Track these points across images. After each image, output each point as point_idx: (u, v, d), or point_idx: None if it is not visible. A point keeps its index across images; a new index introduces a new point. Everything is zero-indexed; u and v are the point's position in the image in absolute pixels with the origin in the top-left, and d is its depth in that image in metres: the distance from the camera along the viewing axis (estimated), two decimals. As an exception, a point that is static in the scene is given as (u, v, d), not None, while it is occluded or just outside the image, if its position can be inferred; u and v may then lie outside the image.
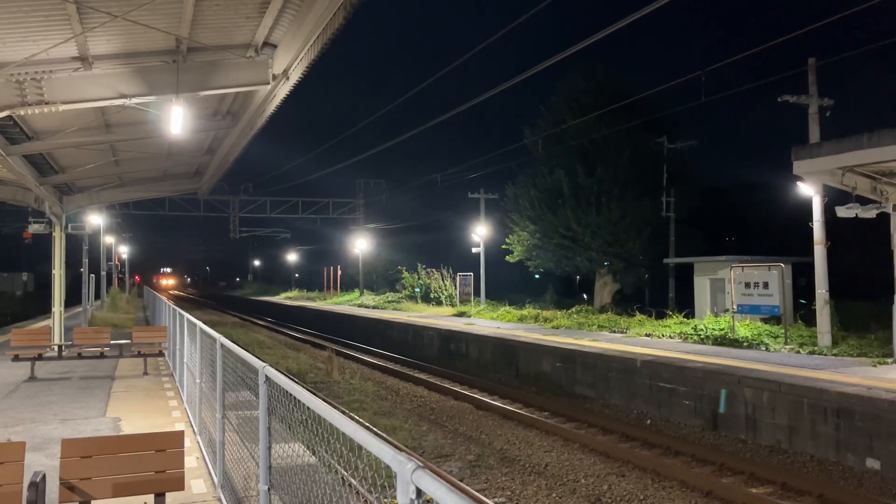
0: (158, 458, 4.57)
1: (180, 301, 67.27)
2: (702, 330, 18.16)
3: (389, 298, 41.89)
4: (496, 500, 9.23)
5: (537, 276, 37.33)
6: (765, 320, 18.49)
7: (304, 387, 3.41)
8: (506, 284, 39.30)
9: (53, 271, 18.91)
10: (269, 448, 4.12)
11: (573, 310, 26.17)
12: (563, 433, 12.78)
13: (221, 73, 9.90)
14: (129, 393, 11.79)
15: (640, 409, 14.63)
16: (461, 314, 30.80)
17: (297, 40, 9.12)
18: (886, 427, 9.91)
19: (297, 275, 77.12)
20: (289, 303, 52.74)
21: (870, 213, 14.08)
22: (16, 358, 13.58)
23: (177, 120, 9.88)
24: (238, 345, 5.65)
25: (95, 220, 26.40)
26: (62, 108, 9.51)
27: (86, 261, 26.98)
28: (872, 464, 10.06)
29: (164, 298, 22.71)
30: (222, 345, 6.03)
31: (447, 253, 42.31)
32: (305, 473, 3.78)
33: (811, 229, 16.56)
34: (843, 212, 14.27)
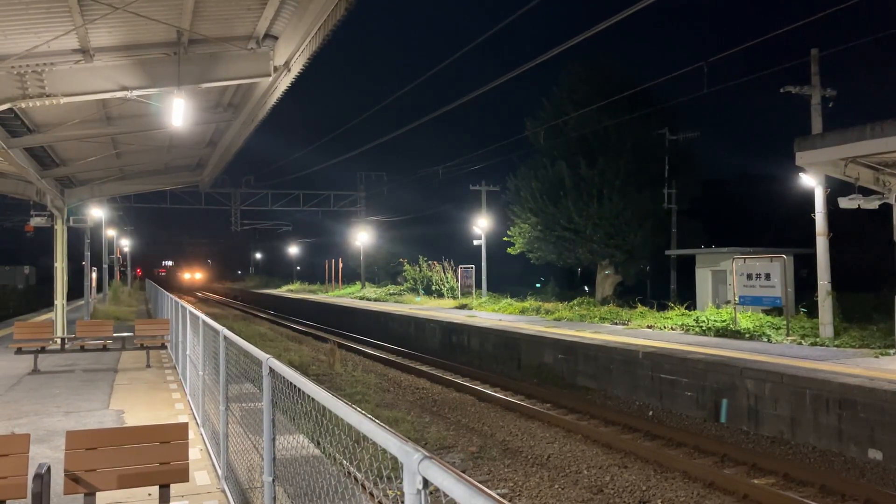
0: (162, 449, 4.58)
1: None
2: (703, 321, 18.16)
3: (391, 291, 41.90)
4: (499, 491, 9.26)
5: (538, 277, 37.40)
6: (767, 312, 18.49)
7: (307, 378, 3.41)
8: (507, 277, 39.34)
9: (55, 264, 18.94)
10: (273, 439, 4.13)
11: (575, 302, 26.18)
12: (566, 425, 12.81)
13: (223, 65, 9.88)
14: (132, 385, 11.82)
15: (641, 401, 14.65)
16: (463, 306, 30.83)
17: (298, 32, 9.09)
18: (889, 418, 9.92)
19: (298, 267, 77.15)
20: (290, 295, 52.79)
21: (872, 204, 14.06)
22: (19, 351, 13.61)
23: (178, 112, 9.86)
24: (240, 337, 5.65)
25: (97, 213, 26.45)
26: (63, 100, 9.49)
27: (87, 254, 27.02)
28: (875, 455, 10.07)
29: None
30: (225, 337, 6.03)
31: (449, 245, 42.31)
32: (310, 465, 3.79)
33: (813, 220, 16.53)
34: (845, 203, 14.24)
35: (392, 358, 22.37)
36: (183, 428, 4.74)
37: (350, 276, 54.80)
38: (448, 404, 15.16)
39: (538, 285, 39.45)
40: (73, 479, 4.30)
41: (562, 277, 39.93)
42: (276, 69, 10.05)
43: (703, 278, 23.32)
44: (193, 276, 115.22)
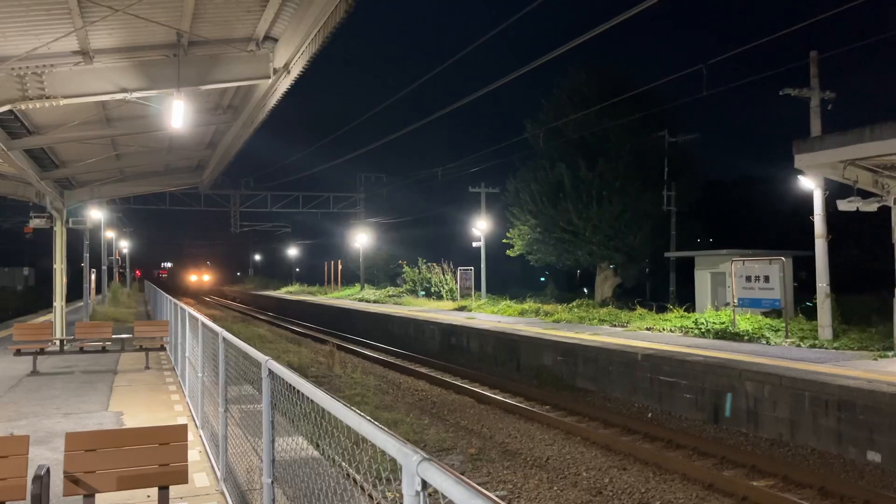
0: (162, 451, 4.58)
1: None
2: (703, 324, 18.17)
3: (390, 293, 41.90)
4: (498, 492, 9.26)
5: (547, 274, 37.40)
6: (766, 314, 18.51)
7: (306, 380, 3.42)
8: (507, 279, 39.36)
9: (54, 266, 18.93)
10: (273, 441, 4.13)
11: (574, 304, 26.19)
12: (565, 427, 12.80)
13: (222, 66, 9.89)
14: (131, 387, 11.81)
15: (641, 403, 14.65)
16: (462, 308, 30.83)
17: (298, 34, 9.10)
18: (887, 420, 9.93)
19: (297, 269, 77.12)
20: (290, 297, 52.77)
21: (871, 206, 14.07)
22: (18, 352, 13.60)
23: (178, 114, 9.87)
24: (239, 339, 5.66)
25: (96, 214, 26.43)
26: (63, 102, 9.50)
27: (87, 255, 27.00)
28: (873, 457, 10.08)
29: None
30: (224, 339, 6.04)
31: (448, 247, 42.35)
32: (309, 466, 3.79)
33: (812, 223, 16.55)
34: (844, 205, 14.25)
35: (391, 360, 22.36)
36: (182, 429, 4.74)
37: (349, 278, 54.80)
38: (447, 406, 15.16)
39: (543, 279, 39.30)
40: (72, 481, 4.31)
41: (561, 279, 39.95)
42: (275, 71, 10.06)
43: (703, 280, 23.34)
44: (201, 278, 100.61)
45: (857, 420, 10.36)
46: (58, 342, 14.86)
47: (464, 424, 13.39)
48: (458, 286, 35.90)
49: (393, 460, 2.09)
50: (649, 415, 13.97)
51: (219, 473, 6.33)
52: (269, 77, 10.09)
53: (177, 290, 74.15)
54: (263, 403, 4.17)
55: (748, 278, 19.01)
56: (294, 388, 3.49)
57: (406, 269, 41.63)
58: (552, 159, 28.89)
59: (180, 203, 45.77)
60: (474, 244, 34.42)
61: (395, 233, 52.03)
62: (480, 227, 33.94)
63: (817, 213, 16.41)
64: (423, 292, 39.04)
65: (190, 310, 10.60)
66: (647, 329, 19.50)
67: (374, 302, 39.34)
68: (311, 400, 3.13)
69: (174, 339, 13.91)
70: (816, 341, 15.62)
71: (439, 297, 37.14)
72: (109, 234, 43.01)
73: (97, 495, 4.37)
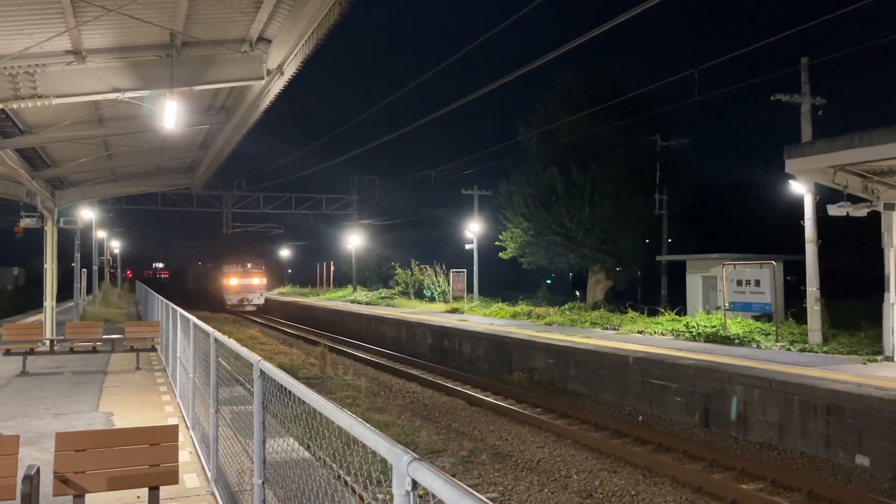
0: (152, 451, 4.58)
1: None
2: (694, 327, 18.24)
3: (382, 294, 41.88)
4: (488, 494, 9.27)
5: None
6: (756, 318, 18.59)
7: (298, 381, 3.42)
8: (499, 281, 39.39)
9: (45, 266, 18.83)
10: (264, 442, 4.13)
11: (566, 306, 26.24)
12: (556, 429, 12.83)
13: (216, 67, 9.88)
14: (121, 388, 11.77)
15: (632, 406, 14.69)
16: (454, 310, 30.83)
17: (291, 36, 9.10)
18: (876, 424, 9.99)
19: (290, 270, 76.93)
20: (282, 298, 52.65)
21: (861, 211, 14.15)
22: (7, 352, 13.54)
23: (170, 114, 9.85)
24: (231, 340, 5.65)
25: (87, 214, 26.33)
26: (55, 101, 9.46)
27: (78, 255, 26.89)
28: (862, 460, 10.14)
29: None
30: (216, 339, 6.03)
31: (441, 249, 42.35)
32: (300, 467, 3.80)
33: (803, 227, 16.65)
34: (834, 210, 14.34)
35: (383, 362, 22.35)
36: (173, 430, 4.74)
37: (342, 280, 54.73)
38: (439, 408, 15.17)
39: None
40: (62, 481, 4.30)
41: (553, 282, 39.99)
42: (268, 72, 10.05)
43: (694, 284, 23.42)
44: (247, 282, 52.71)
45: (846, 424, 10.43)
46: (48, 342, 14.78)
47: (455, 427, 13.40)
48: (451, 288, 35.91)
49: (384, 461, 2.10)
50: (640, 418, 14.01)
51: (209, 474, 6.32)
52: (263, 78, 10.08)
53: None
54: (255, 404, 4.17)
55: (739, 282, 19.11)
56: (285, 388, 3.49)
57: (398, 270, 41.63)
58: (545, 162, 28.96)
59: (172, 203, 45.56)
60: (467, 246, 34.47)
61: (387, 235, 52.02)
62: (473, 229, 33.98)
63: (808, 217, 16.51)
64: (415, 295, 39.03)
65: (181, 311, 10.57)
66: (639, 332, 19.57)
67: (367, 304, 39.30)
68: (303, 401, 3.14)
69: (165, 340, 13.86)
70: (806, 345, 15.70)
71: (432, 299, 37.14)
72: (100, 235, 42.82)
73: (87, 495, 4.36)
